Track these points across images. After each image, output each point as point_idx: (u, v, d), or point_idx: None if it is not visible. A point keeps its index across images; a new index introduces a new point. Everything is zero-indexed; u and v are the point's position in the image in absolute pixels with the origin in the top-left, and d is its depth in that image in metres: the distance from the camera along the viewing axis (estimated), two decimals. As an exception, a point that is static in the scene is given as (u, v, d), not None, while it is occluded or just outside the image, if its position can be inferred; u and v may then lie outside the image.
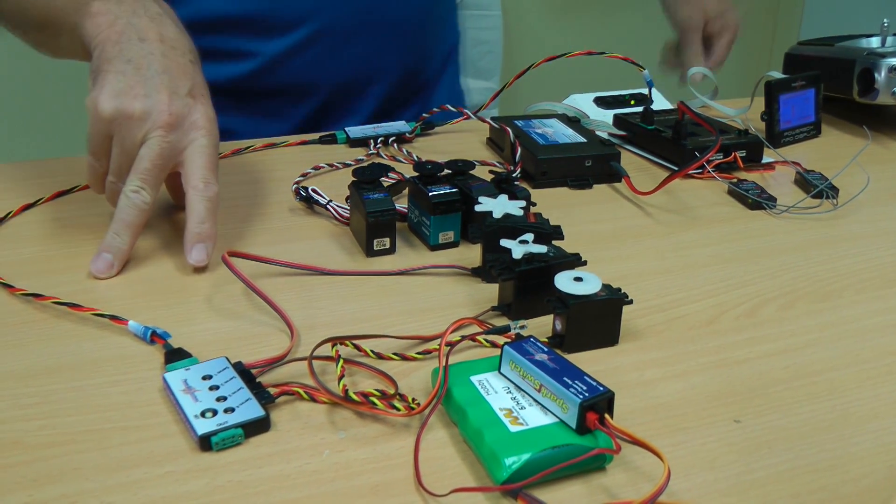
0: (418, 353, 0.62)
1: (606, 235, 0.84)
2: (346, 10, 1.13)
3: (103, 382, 0.59)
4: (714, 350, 0.66)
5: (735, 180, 0.96)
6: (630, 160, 1.04)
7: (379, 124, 1.06)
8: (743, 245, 0.84)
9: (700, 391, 0.61)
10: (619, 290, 0.64)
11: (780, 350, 0.67)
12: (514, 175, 0.83)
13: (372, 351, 0.62)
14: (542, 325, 0.67)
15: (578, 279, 0.63)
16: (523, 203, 0.74)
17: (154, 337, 0.63)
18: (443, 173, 0.80)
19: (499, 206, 0.73)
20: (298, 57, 1.14)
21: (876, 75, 1.12)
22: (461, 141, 1.08)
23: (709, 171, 0.96)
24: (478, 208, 0.73)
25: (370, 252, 0.77)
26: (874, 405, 0.61)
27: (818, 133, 1.18)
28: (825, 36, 1.28)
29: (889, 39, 1.19)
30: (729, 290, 0.75)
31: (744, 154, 1.01)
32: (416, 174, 0.79)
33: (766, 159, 1.04)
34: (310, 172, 0.95)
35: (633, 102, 1.18)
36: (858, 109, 1.21)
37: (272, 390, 0.57)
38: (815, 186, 0.95)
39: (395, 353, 0.62)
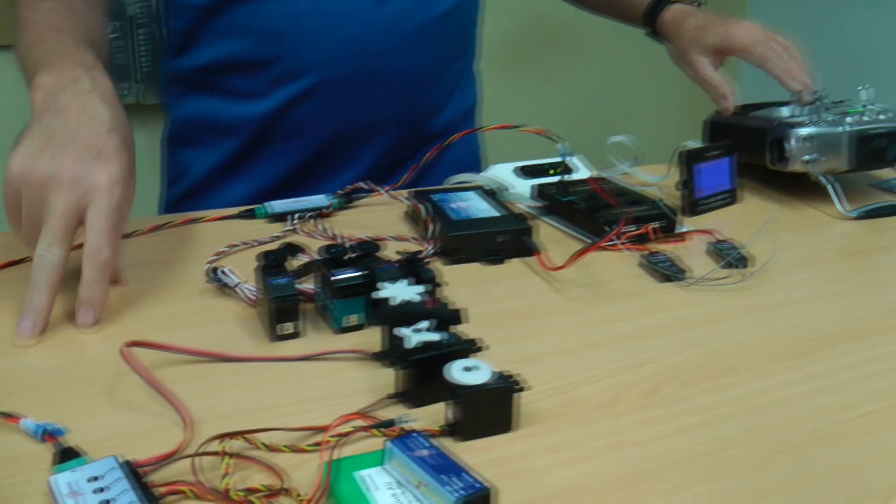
0: (310, 445, 0.63)
1: (514, 314, 0.85)
2: (349, 63, 1.18)
3: (-13, 486, 0.59)
4: (609, 433, 0.67)
5: (648, 252, 0.98)
6: (548, 232, 1.06)
7: (298, 199, 1.07)
8: (650, 320, 0.85)
9: (591, 478, 0.62)
10: (511, 377, 0.65)
11: (674, 430, 0.68)
12: (421, 255, 0.83)
13: (263, 443, 0.62)
14: (439, 412, 0.67)
15: (469, 368, 0.64)
16: (423, 288, 0.75)
17: (46, 435, 0.63)
18: (349, 256, 0.81)
19: (398, 291, 0.74)
20: (304, 104, 1.17)
21: (786, 145, 1.14)
22: (381, 215, 1.09)
23: (620, 246, 0.98)
24: (376, 295, 0.74)
25: (274, 337, 0.77)
26: (763, 484, 0.62)
27: (735, 200, 1.20)
28: (751, 103, 1.31)
29: (798, 109, 1.22)
30: (631, 369, 0.76)
31: (658, 225, 1.02)
32: (322, 257, 0.80)
33: (683, 228, 1.06)
34: (224, 251, 0.95)
35: (552, 172, 1.19)
36: (776, 175, 1.23)
37: (159, 490, 0.57)
38: (725, 257, 0.96)
39: (286, 446, 0.62)
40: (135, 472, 0.58)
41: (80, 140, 0.80)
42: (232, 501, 0.55)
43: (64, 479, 0.57)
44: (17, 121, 0.86)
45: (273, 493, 0.56)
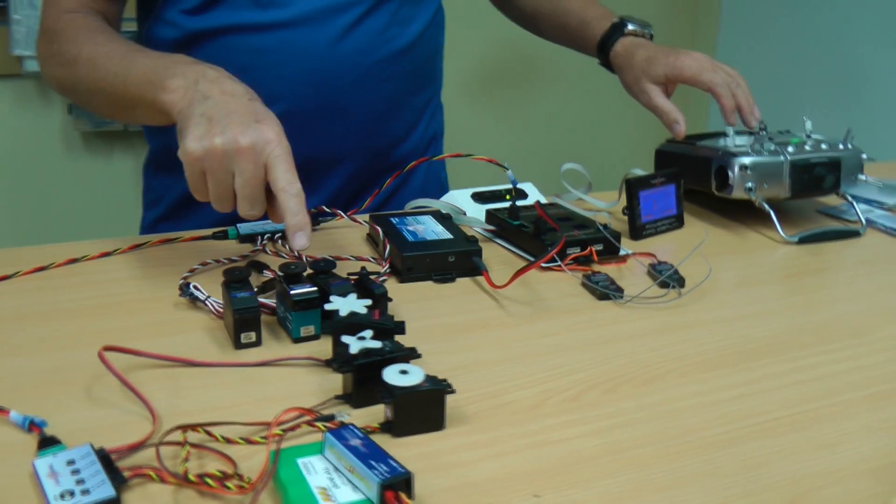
0: (261, 438, 0.71)
1: (458, 327, 0.93)
2: (312, 95, 1.26)
3: (-23, 470, 0.67)
4: (533, 432, 0.75)
5: (589, 272, 1.05)
6: (498, 253, 1.14)
7: (267, 221, 1.15)
8: (584, 334, 0.93)
9: (510, 470, 0.69)
10: (444, 380, 0.73)
11: (594, 430, 0.75)
12: (376, 274, 0.91)
13: (221, 436, 0.70)
14: (380, 412, 0.75)
15: (404, 372, 0.72)
16: (369, 301, 0.83)
17: (32, 426, 0.71)
18: (307, 272, 0.89)
19: (346, 304, 0.82)
20: None
21: (730, 173, 1.23)
22: (343, 237, 1.17)
23: (563, 266, 1.06)
24: (327, 307, 0.82)
25: (238, 345, 0.85)
26: (668, 478, 0.69)
27: (681, 224, 1.28)
28: (697, 133, 1.39)
29: (737, 139, 1.30)
30: (560, 377, 0.84)
31: (601, 247, 1.10)
32: (282, 273, 0.88)
33: (626, 251, 1.13)
34: (197, 268, 1.03)
35: (508, 197, 1.27)
36: (722, 202, 1.31)
37: (126, 473, 0.65)
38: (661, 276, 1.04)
39: (241, 438, 0.70)
40: (106, 458, 0.66)
41: (236, 113, 0.91)
42: (188, 482, 0.63)
43: (45, 462, 0.65)
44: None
45: (226, 477, 0.64)
